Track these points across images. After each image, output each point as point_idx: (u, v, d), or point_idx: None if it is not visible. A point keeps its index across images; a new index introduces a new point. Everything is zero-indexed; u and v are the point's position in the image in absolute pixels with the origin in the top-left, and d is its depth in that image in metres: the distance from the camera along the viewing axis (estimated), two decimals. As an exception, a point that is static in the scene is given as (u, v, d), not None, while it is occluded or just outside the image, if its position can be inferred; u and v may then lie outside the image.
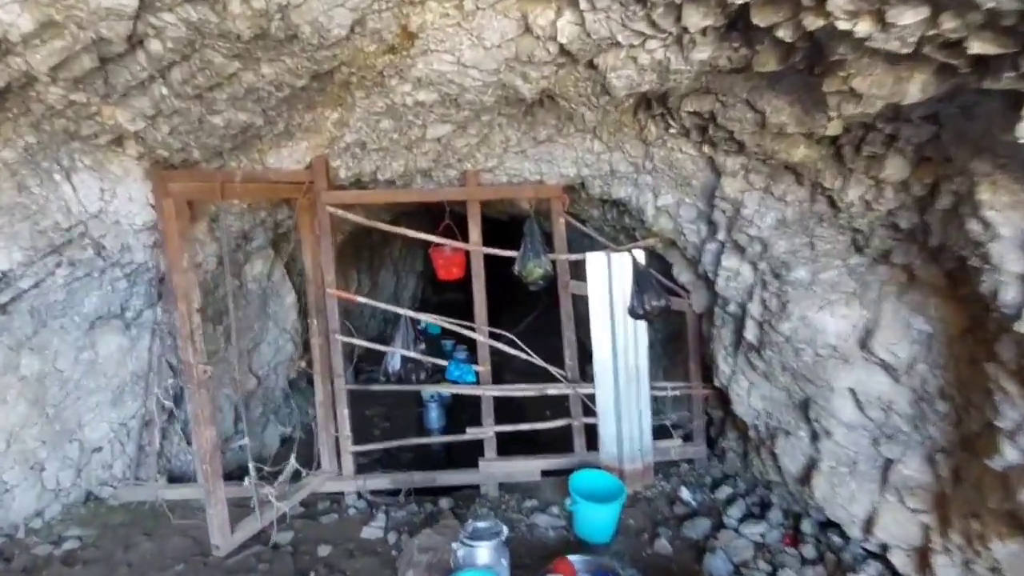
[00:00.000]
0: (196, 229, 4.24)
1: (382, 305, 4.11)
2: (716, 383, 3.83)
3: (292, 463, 3.86)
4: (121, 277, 4.08)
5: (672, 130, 2.98)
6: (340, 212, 3.91)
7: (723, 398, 4.35)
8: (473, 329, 4.18)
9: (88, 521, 4.00)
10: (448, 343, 8.25)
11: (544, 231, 4.17)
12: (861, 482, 2.83)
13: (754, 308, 3.09)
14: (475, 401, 4.25)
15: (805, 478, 3.27)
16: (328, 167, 3.90)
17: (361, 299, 4.09)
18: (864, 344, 2.64)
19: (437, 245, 4.18)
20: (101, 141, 3.30)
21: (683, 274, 4.11)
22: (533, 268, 3.93)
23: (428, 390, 4.08)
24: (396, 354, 4.08)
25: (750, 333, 3.18)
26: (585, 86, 2.75)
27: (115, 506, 4.18)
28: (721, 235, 3.20)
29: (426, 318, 4.05)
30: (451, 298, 12.27)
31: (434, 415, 6.40)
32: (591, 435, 4.36)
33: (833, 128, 2.23)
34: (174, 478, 4.51)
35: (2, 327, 3.66)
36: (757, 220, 2.87)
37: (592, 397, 4.24)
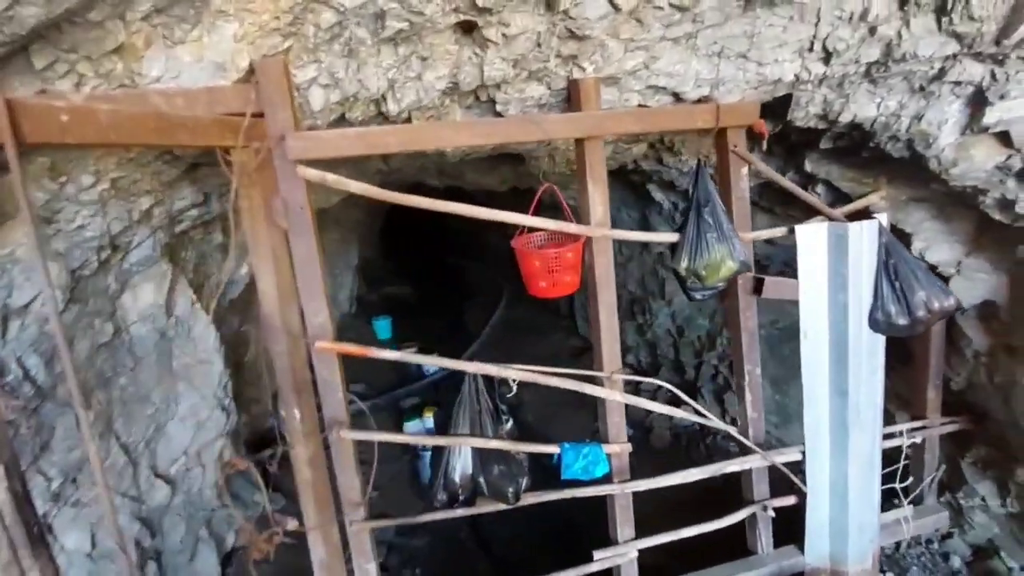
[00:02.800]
0: (5, 237, 2.04)
1: (432, 361, 2.01)
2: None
3: None
4: None
5: None
6: (330, 180, 1.76)
7: (965, 436, 2.80)
8: (593, 380, 2.25)
9: None
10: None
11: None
12: None
13: None
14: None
15: None
16: (290, 81, 1.75)
17: (389, 354, 1.98)
18: None
19: (523, 234, 2.17)
20: None
21: (939, 249, 2.44)
22: (720, 260, 2.07)
23: (513, 495, 2.11)
24: (460, 452, 2.08)
25: None
26: None
27: None
28: None
29: (514, 374, 2.04)
30: (391, 293, 10.07)
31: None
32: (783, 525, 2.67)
33: None
34: None
35: None
36: None
37: (794, 467, 2.52)
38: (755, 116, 2.13)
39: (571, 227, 2.03)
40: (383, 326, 7.51)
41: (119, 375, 2.96)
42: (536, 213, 2.09)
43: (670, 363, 5.36)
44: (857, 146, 2.36)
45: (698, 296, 2.22)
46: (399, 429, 5.02)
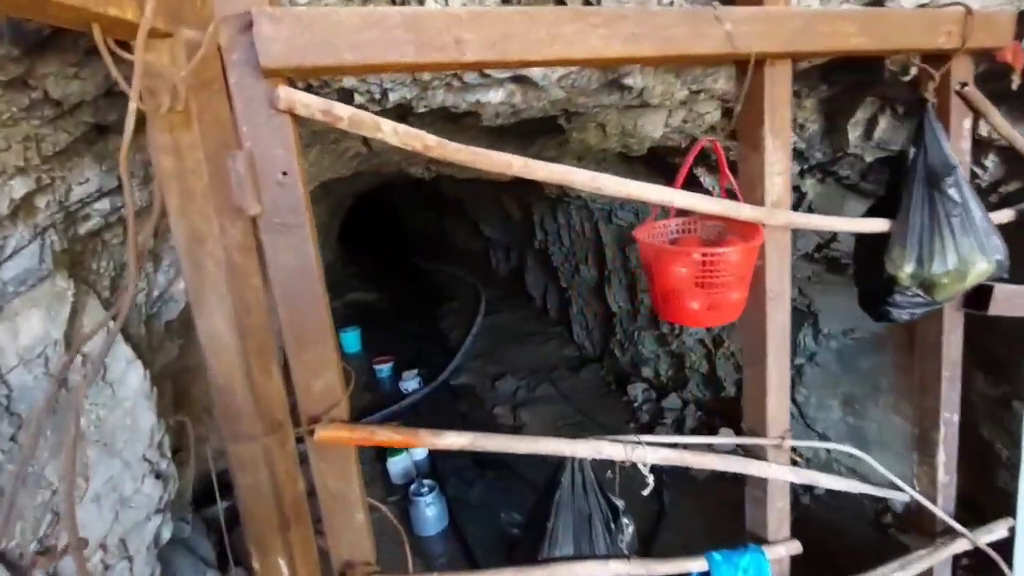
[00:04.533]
0: None
1: (524, 446, 1.10)
2: None
3: None
4: None
5: None
6: (346, 116, 0.88)
7: None
8: (743, 450, 1.45)
9: None
10: (384, 369, 5.69)
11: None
12: None
13: None
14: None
15: None
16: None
17: (448, 440, 1.12)
18: None
19: (647, 223, 1.33)
20: None
21: None
22: (968, 262, 1.30)
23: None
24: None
25: None
26: None
27: None
28: None
29: (651, 456, 1.22)
30: (356, 300, 9.16)
31: (430, 512, 3.74)
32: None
33: None
34: None
35: None
36: None
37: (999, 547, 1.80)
38: (1008, 36, 1.37)
39: (744, 209, 1.21)
40: (351, 339, 6.68)
41: (-8, 448, 1.95)
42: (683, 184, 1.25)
43: (701, 377, 4.65)
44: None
45: (905, 316, 1.44)
46: (381, 464, 4.18)
